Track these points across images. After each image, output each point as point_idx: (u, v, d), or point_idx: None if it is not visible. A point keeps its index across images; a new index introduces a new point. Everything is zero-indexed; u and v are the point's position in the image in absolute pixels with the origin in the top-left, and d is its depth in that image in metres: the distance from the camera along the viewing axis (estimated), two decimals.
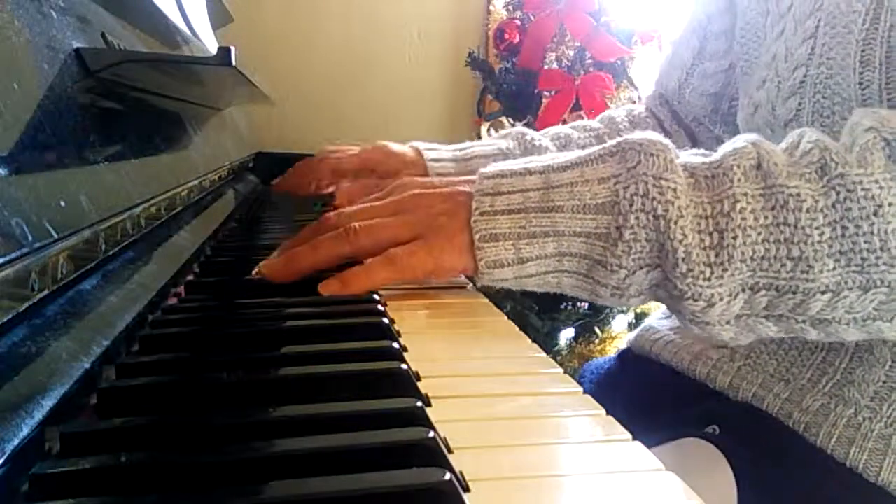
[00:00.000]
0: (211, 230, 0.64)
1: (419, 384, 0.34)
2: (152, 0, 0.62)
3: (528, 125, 0.78)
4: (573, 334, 1.69)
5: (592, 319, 1.66)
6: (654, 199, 0.44)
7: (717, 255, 0.44)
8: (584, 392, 0.35)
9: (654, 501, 0.26)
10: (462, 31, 1.93)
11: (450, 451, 0.28)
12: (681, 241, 0.44)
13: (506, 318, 0.49)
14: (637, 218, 0.44)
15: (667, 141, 0.47)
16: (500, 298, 1.49)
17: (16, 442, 0.23)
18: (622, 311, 1.70)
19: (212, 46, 0.98)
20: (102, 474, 0.24)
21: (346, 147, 0.68)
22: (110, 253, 0.37)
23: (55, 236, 0.30)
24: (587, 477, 0.27)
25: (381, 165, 0.71)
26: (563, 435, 0.31)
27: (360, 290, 0.48)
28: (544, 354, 0.41)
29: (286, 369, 0.33)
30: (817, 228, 0.43)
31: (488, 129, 1.81)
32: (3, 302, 0.25)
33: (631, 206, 0.45)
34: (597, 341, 1.67)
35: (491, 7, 1.89)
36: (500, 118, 1.79)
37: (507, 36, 1.73)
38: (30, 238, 0.27)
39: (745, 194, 0.44)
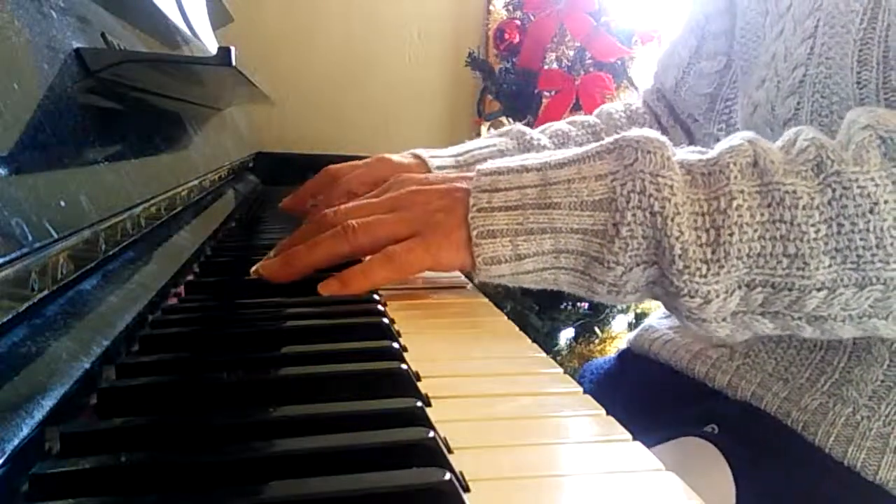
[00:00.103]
0: (211, 230, 0.64)
1: (419, 384, 0.34)
2: (152, 0, 0.62)
3: (527, 125, 0.78)
4: (573, 334, 1.69)
5: (592, 319, 1.67)
6: (650, 195, 0.44)
7: (713, 252, 0.44)
8: (584, 392, 0.35)
9: (654, 501, 0.26)
10: (462, 31, 1.93)
11: (450, 451, 0.28)
12: (677, 238, 0.44)
13: (506, 318, 0.49)
14: (634, 215, 0.44)
15: (664, 138, 0.47)
16: (501, 298, 1.50)
17: (16, 442, 0.23)
18: (622, 311, 1.70)
19: (212, 46, 0.98)
20: (102, 474, 0.24)
21: (351, 164, 0.67)
22: (110, 253, 0.37)
23: (55, 236, 0.30)
24: (587, 477, 0.27)
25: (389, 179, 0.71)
26: (563, 435, 0.31)
27: (360, 290, 0.48)
28: (544, 354, 0.41)
29: (286, 369, 0.33)
30: (813, 226, 0.43)
31: (488, 129, 1.81)
32: (3, 302, 0.25)
33: (628, 202, 0.45)
34: (597, 341, 1.67)
35: (491, 7, 1.90)
36: (500, 118, 1.79)
37: (507, 36, 1.73)
38: (30, 238, 0.27)
39: (742, 191, 0.44)
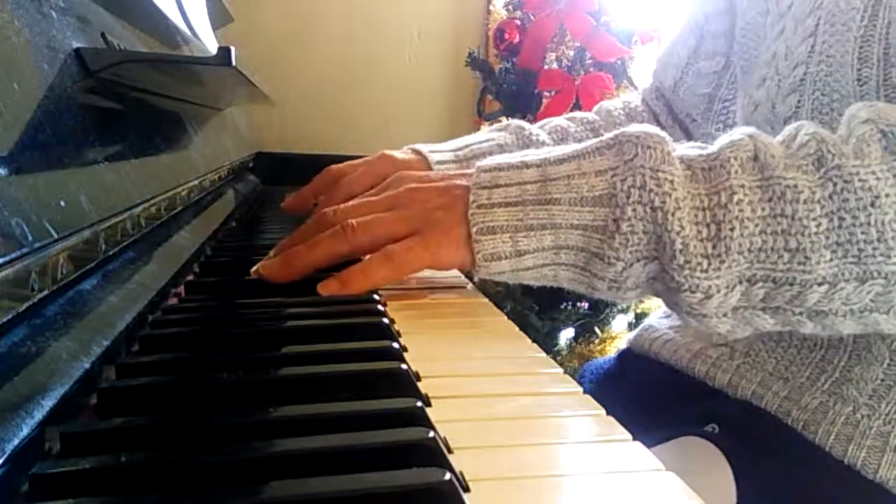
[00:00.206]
0: (211, 230, 0.64)
1: (419, 384, 0.34)
2: (152, 0, 0.62)
3: None
4: (573, 334, 1.69)
5: (592, 319, 1.67)
6: (651, 191, 0.44)
7: (714, 247, 0.44)
8: (584, 392, 0.35)
9: (654, 501, 0.26)
10: (462, 31, 1.93)
11: (450, 451, 0.28)
12: (678, 233, 0.44)
13: (506, 318, 0.49)
14: (634, 210, 0.44)
15: (663, 133, 0.47)
16: (501, 298, 1.50)
17: (16, 442, 0.23)
18: (622, 311, 1.70)
19: (212, 46, 0.98)
20: (102, 474, 0.24)
21: (352, 163, 0.67)
22: (110, 253, 0.37)
23: (55, 236, 0.30)
24: (587, 477, 0.27)
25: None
26: (563, 435, 0.31)
27: (360, 289, 0.48)
28: (544, 354, 0.41)
29: (286, 369, 0.33)
30: (814, 220, 0.43)
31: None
32: (3, 302, 0.25)
33: (628, 198, 0.45)
34: (597, 341, 1.67)
35: (491, 7, 1.90)
36: (500, 118, 1.79)
37: (507, 36, 1.73)
38: (30, 238, 0.27)
39: (743, 186, 0.44)
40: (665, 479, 0.27)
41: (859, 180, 0.43)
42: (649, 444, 0.30)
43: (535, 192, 0.47)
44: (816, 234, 0.43)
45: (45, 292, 0.29)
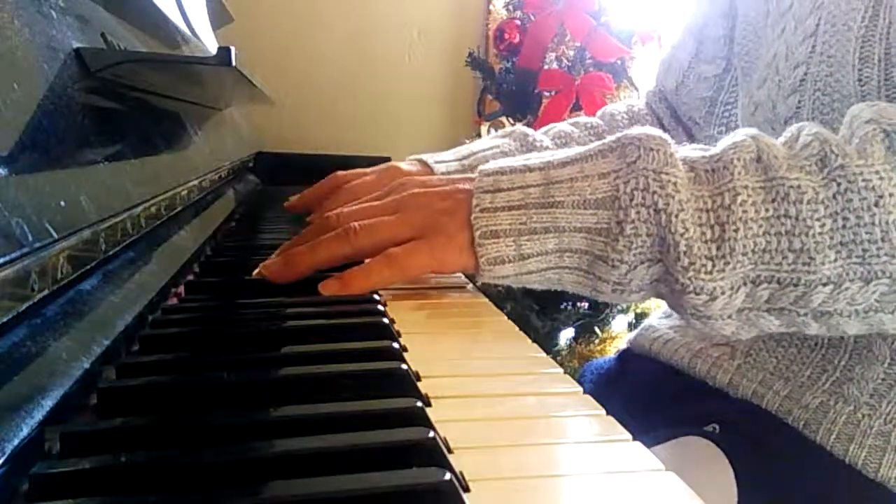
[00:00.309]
0: (211, 230, 0.64)
1: (419, 384, 0.34)
2: (152, 0, 0.62)
3: (528, 125, 0.78)
4: (573, 334, 1.69)
5: (592, 319, 1.66)
6: (654, 193, 0.44)
7: (718, 249, 0.44)
8: (584, 392, 0.35)
9: (654, 501, 0.26)
10: (462, 31, 1.93)
11: (450, 451, 0.28)
12: (682, 235, 0.44)
13: (506, 317, 0.49)
14: (638, 212, 0.44)
15: (666, 135, 0.47)
16: (501, 299, 1.50)
17: (16, 442, 0.23)
18: (622, 311, 1.70)
19: (212, 46, 0.98)
20: (102, 474, 0.24)
21: (359, 171, 0.68)
22: (110, 253, 0.37)
23: (55, 236, 0.30)
24: (587, 477, 0.27)
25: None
26: (564, 435, 0.31)
27: (361, 291, 0.48)
28: (544, 354, 0.41)
29: (286, 369, 0.33)
30: (818, 220, 0.43)
31: (488, 129, 1.81)
32: (3, 302, 0.25)
33: (631, 200, 0.45)
34: (597, 341, 1.67)
35: (491, 7, 1.90)
36: (500, 118, 1.79)
37: (507, 36, 1.73)
38: (30, 238, 0.27)
39: (746, 187, 0.44)
40: (665, 479, 0.27)
41: (863, 180, 0.43)
42: (649, 444, 0.30)
43: (538, 195, 0.47)
44: (821, 234, 0.43)
45: (45, 292, 0.29)
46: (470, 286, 0.57)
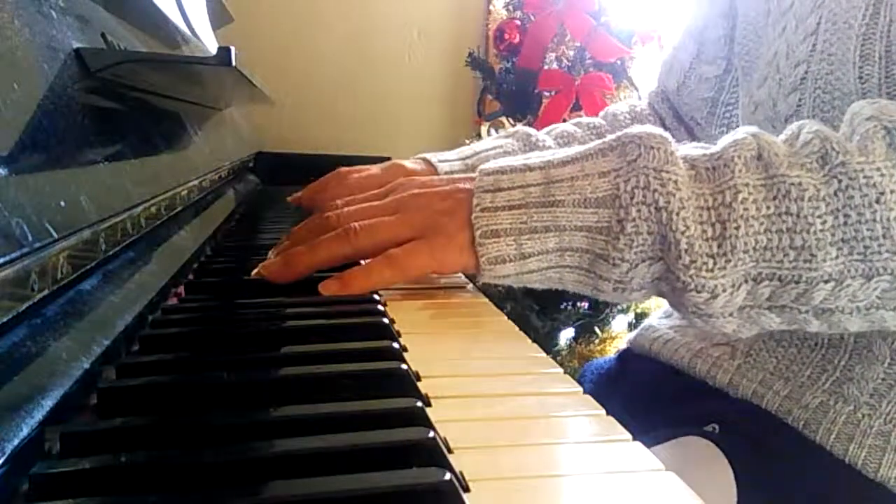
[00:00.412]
0: (211, 230, 0.64)
1: (419, 384, 0.34)
2: (152, 0, 0.62)
3: (528, 125, 0.78)
4: (573, 334, 1.68)
5: (592, 319, 1.66)
6: (655, 191, 0.44)
7: (719, 246, 0.44)
8: (584, 392, 0.35)
9: (654, 502, 0.26)
10: (462, 31, 1.93)
11: (450, 451, 0.28)
12: (683, 233, 0.44)
13: (506, 317, 0.49)
14: (639, 210, 0.44)
15: (666, 134, 0.47)
16: (501, 298, 1.50)
17: (16, 442, 0.23)
18: (622, 311, 1.70)
19: (212, 46, 0.98)
20: (102, 474, 0.24)
21: (363, 168, 0.68)
22: (110, 253, 0.37)
23: (55, 236, 0.30)
24: (587, 477, 0.27)
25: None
26: (563, 435, 0.31)
27: (361, 291, 0.48)
28: (544, 354, 0.41)
29: (286, 369, 0.33)
30: (819, 217, 0.43)
31: (488, 130, 1.81)
32: (3, 302, 0.25)
33: (632, 199, 0.45)
34: (597, 341, 1.67)
35: (491, 7, 1.90)
36: (500, 118, 1.79)
37: (507, 36, 1.73)
38: (30, 238, 0.27)
39: (747, 185, 0.44)
40: (665, 479, 0.27)
41: (864, 177, 0.43)
42: (649, 444, 0.30)
43: (539, 194, 0.47)
44: (822, 231, 0.43)
45: (45, 292, 0.29)
46: (470, 286, 0.57)
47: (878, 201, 0.42)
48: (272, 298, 0.47)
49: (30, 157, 0.30)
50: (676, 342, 0.67)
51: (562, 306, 1.62)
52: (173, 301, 0.46)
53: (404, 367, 0.33)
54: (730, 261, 0.44)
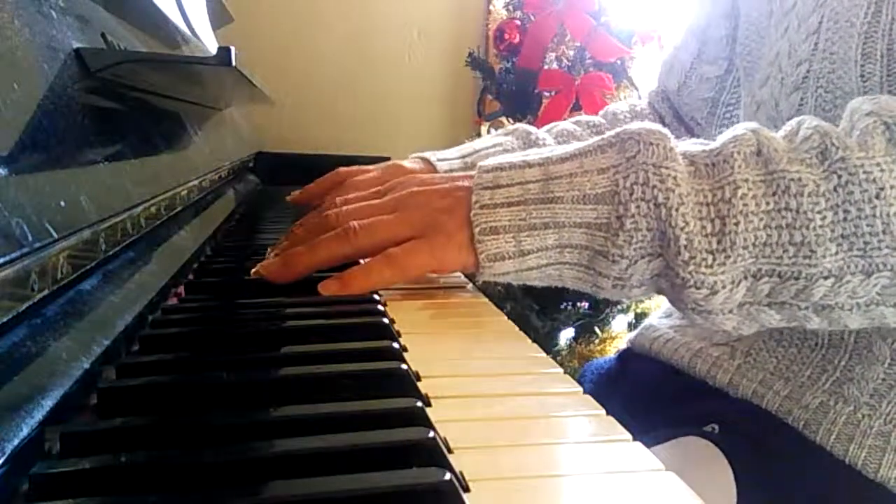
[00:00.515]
0: (211, 230, 0.64)
1: (419, 384, 0.34)
2: (152, 0, 0.62)
3: (528, 125, 0.78)
4: (573, 334, 1.69)
5: (592, 319, 1.66)
6: (654, 187, 0.44)
7: (719, 242, 0.44)
8: (584, 392, 0.35)
9: (654, 502, 0.26)
10: (462, 31, 1.93)
11: (450, 451, 0.28)
12: (682, 229, 0.44)
13: (506, 317, 0.49)
14: (638, 207, 0.44)
15: (665, 130, 0.47)
16: (501, 298, 1.50)
17: (16, 442, 0.23)
18: (622, 311, 1.70)
19: (212, 46, 0.98)
20: (102, 474, 0.24)
21: (363, 168, 0.68)
22: (110, 253, 0.37)
23: (55, 236, 0.30)
24: (587, 477, 0.27)
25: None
26: (563, 435, 0.31)
27: (360, 291, 0.48)
28: (544, 354, 0.41)
29: (286, 369, 0.33)
30: (819, 213, 0.43)
31: (488, 129, 1.81)
32: (3, 302, 0.25)
33: (631, 195, 0.45)
34: (597, 341, 1.67)
35: (491, 7, 1.90)
36: (500, 118, 1.79)
37: (507, 36, 1.73)
38: (30, 238, 0.27)
39: (746, 180, 0.44)
40: (665, 479, 0.27)
41: (864, 172, 0.43)
42: (649, 444, 0.30)
43: (538, 191, 0.47)
44: (822, 227, 0.43)
45: (45, 292, 0.29)
46: (470, 286, 0.57)
47: (877, 197, 0.42)
48: (272, 298, 0.47)
49: (30, 157, 0.30)
50: (676, 342, 0.67)
51: (562, 306, 1.62)
52: (173, 301, 0.46)
53: (404, 367, 0.33)
54: (729, 257, 0.44)
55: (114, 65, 0.44)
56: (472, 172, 0.51)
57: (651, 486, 0.26)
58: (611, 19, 1.67)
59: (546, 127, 0.77)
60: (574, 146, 0.49)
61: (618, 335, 1.69)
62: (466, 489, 0.25)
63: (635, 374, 0.73)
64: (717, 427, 0.58)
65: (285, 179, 1.22)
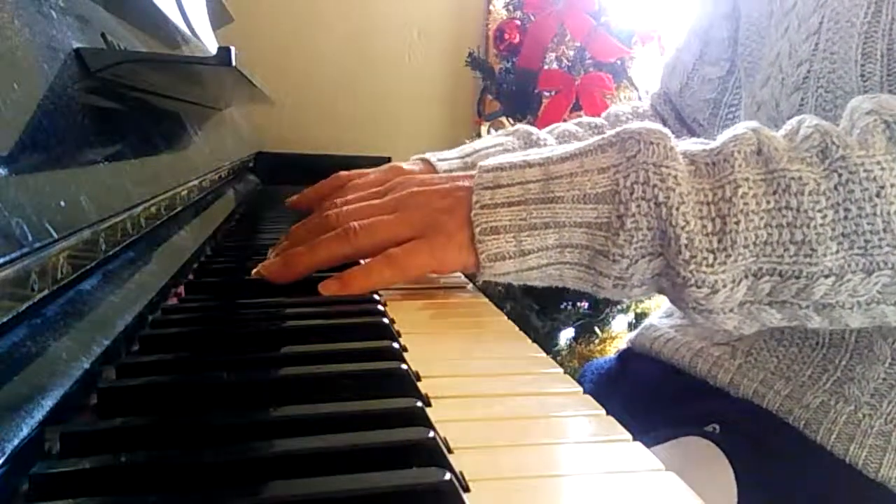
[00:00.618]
0: (211, 230, 0.64)
1: (419, 384, 0.34)
2: (152, 0, 0.62)
3: (528, 125, 0.78)
4: (573, 334, 1.68)
5: (592, 319, 1.66)
6: (654, 186, 0.44)
7: (719, 241, 0.44)
8: (584, 392, 0.35)
9: (654, 502, 0.26)
10: (462, 31, 1.94)
11: (450, 451, 0.28)
12: (683, 228, 0.44)
13: (506, 317, 0.49)
14: (638, 206, 0.44)
15: (665, 129, 0.47)
16: (501, 298, 1.50)
17: (16, 442, 0.23)
18: (622, 311, 1.70)
19: (212, 46, 0.98)
20: (102, 474, 0.24)
21: (362, 171, 0.68)
22: (110, 253, 0.37)
23: (55, 236, 0.30)
24: (587, 477, 0.27)
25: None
26: (563, 435, 0.31)
27: (360, 291, 0.48)
28: (544, 354, 0.41)
29: (286, 369, 0.33)
30: (819, 211, 0.43)
31: (488, 130, 1.81)
32: (3, 302, 0.25)
33: (631, 194, 0.45)
34: (597, 341, 1.67)
35: (491, 7, 1.90)
36: (500, 118, 1.79)
37: (507, 36, 1.73)
38: (30, 238, 0.27)
39: (747, 179, 0.44)
40: (665, 480, 0.27)
41: (864, 171, 0.43)
42: (649, 444, 0.30)
43: (538, 190, 0.47)
44: (822, 225, 0.43)
45: (45, 292, 0.29)
46: (470, 286, 0.57)
47: (878, 195, 0.42)
48: (272, 298, 0.47)
49: (30, 157, 0.30)
50: (677, 341, 0.67)
51: (562, 306, 1.62)
52: (173, 301, 0.46)
53: (404, 367, 0.33)
54: (730, 256, 0.44)
55: (114, 65, 0.44)
56: (473, 172, 0.51)
57: (651, 486, 0.26)
58: (611, 19, 1.67)
59: (548, 128, 0.77)
60: (574, 146, 0.49)
61: (618, 335, 1.69)
62: (466, 489, 0.25)
63: (635, 374, 0.73)
64: (717, 427, 0.58)
65: (285, 179, 1.22)
